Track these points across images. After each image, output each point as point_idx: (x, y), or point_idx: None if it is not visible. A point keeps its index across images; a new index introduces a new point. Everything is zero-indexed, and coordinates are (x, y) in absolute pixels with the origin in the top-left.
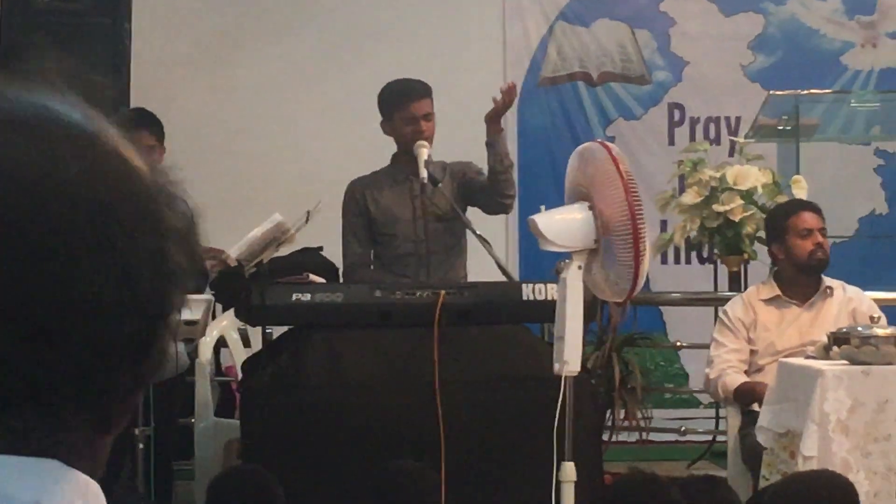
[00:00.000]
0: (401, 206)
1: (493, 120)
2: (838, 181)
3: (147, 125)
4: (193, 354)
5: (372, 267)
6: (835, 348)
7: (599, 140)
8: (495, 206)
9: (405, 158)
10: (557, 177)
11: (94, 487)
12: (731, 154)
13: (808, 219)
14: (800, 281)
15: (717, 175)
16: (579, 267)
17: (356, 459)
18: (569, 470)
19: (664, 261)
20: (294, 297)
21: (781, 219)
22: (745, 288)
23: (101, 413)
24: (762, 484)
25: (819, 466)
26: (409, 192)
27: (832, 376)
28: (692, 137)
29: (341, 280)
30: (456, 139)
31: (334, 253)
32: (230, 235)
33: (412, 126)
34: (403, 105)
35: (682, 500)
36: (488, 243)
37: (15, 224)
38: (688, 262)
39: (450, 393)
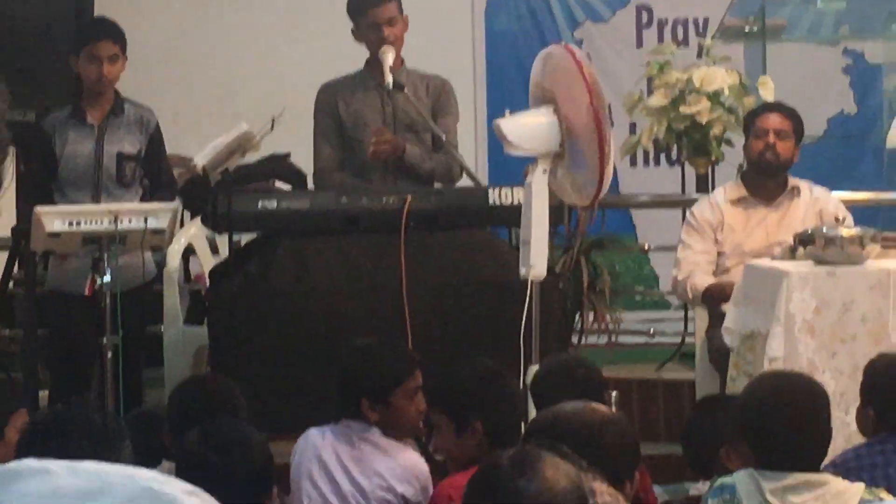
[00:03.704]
0: (371, 112)
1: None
2: (806, 82)
3: (109, 34)
4: (161, 262)
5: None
6: (800, 249)
7: (564, 43)
8: None
9: (376, 64)
10: (525, 81)
11: None
12: (698, 56)
13: (767, 119)
14: (763, 181)
15: (684, 77)
16: (544, 171)
17: (323, 365)
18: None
19: (633, 163)
20: (260, 204)
21: (749, 118)
22: (713, 190)
23: None
24: (729, 385)
25: (785, 367)
26: (379, 99)
27: (797, 277)
28: (660, 39)
29: (310, 186)
30: (423, 48)
31: (302, 160)
32: (197, 143)
33: (376, 33)
34: (366, 12)
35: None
36: (457, 151)
37: None
38: (657, 163)
39: (417, 298)
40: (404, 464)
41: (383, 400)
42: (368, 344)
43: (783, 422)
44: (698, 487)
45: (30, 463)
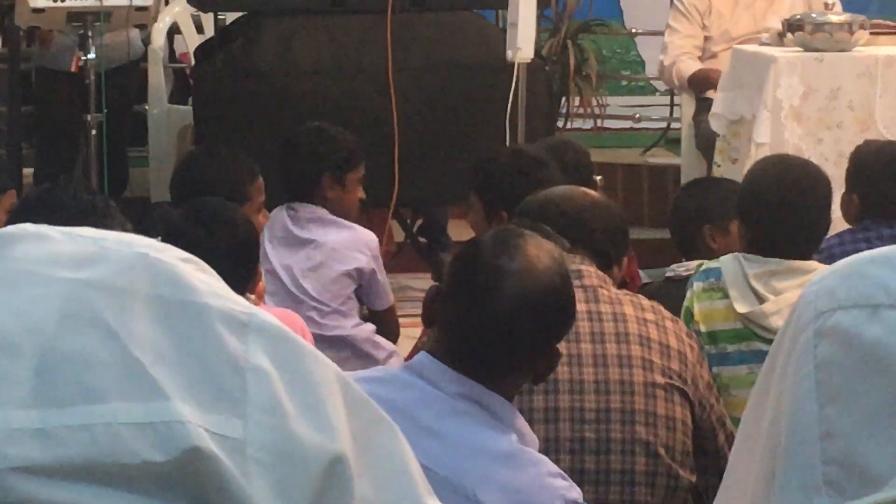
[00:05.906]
0: None
1: None
2: None
3: None
4: (146, 41)
5: None
6: (788, 35)
7: None
8: None
9: None
10: None
11: None
12: None
13: None
14: None
15: None
16: None
17: None
18: None
19: None
20: None
21: None
22: None
23: None
24: (715, 170)
25: (771, 153)
26: None
27: (785, 63)
28: None
29: None
30: None
31: None
32: None
33: None
34: None
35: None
36: None
37: None
38: None
39: (403, 79)
40: (353, 236)
41: (340, 179)
42: (321, 125)
43: (785, 205)
44: (674, 269)
45: (26, 227)
